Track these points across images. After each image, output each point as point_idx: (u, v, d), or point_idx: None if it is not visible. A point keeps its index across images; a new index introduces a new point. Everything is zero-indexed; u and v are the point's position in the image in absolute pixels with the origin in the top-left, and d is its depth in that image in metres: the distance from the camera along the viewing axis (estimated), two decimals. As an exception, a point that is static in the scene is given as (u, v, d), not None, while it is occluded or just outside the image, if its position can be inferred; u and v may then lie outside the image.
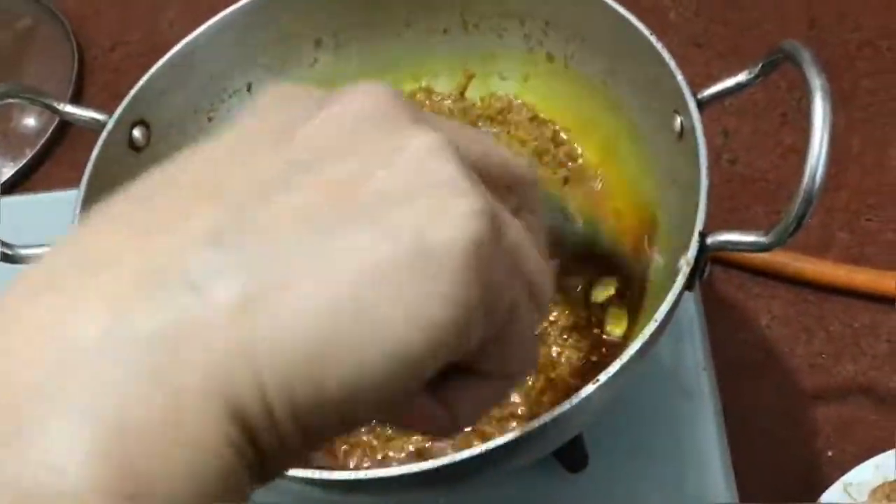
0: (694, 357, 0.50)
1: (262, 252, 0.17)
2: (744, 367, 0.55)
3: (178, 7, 0.78)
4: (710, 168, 0.62)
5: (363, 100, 0.20)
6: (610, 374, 0.33)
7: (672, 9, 0.72)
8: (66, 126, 0.71)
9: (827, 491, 0.50)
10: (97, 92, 0.75)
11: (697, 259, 0.36)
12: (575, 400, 0.33)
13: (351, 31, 0.50)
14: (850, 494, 0.49)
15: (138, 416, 0.16)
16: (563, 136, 0.50)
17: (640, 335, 0.34)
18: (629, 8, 0.72)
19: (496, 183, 0.21)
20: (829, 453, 0.52)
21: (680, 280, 0.35)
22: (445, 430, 0.21)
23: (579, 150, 0.49)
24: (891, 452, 0.50)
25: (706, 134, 0.64)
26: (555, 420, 0.33)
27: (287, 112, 0.21)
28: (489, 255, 0.18)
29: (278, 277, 0.17)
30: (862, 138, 0.63)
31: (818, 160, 0.33)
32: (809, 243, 0.59)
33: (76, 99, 0.74)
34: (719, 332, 0.55)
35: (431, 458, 0.33)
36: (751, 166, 0.64)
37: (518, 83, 0.50)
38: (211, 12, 0.48)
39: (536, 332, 0.23)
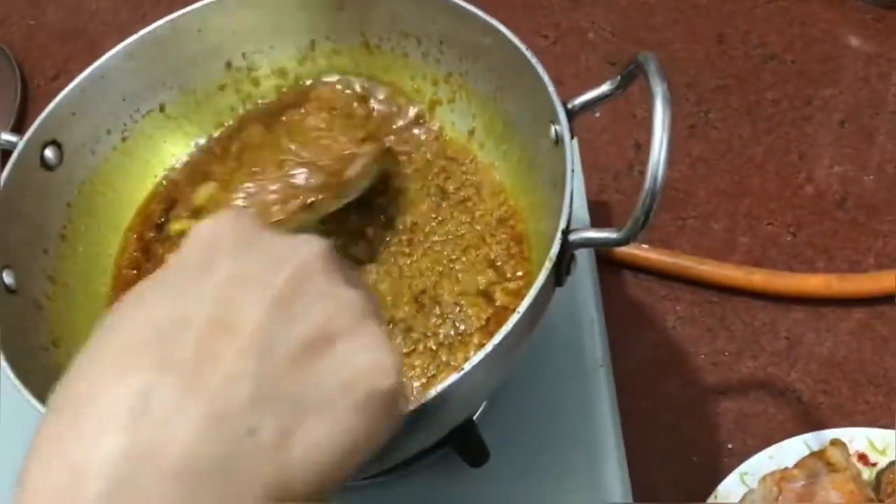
0: (593, 355, 0.52)
1: (287, 396, 0.26)
2: (650, 366, 0.58)
3: (119, 35, 0.80)
4: (620, 174, 0.66)
5: (314, 258, 0.28)
6: (474, 363, 0.36)
7: (590, 29, 0.75)
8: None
9: (724, 480, 0.52)
10: (40, 119, 0.77)
11: (560, 255, 0.38)
12: (440, 387, 0.35)
13: (261, 53, 0.52)
14: (745, 483, 0.52)
15: None
16: (469, 147, 0.52)
17: (504, 327, 0.36)
18: (549, 28, 0.76)
19: None
20: (730, 445, 0.55)
21: (543, 275, 0.37)
22: None
23: (483, 160, 0.52)
24: (784, 442, 0.53)
25: (618, 145, 0.69)
26: (423, 407, 0.35)
27: (256, 260, 0.28)
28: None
29: (300, 417, 0.26)
30: (765, 147, 0.66)
31: (658, 160, 0.35)
32: (714, 247, 0.62)
33: (18, 126, 0.76)
34: (627, 334, 0.58)
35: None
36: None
37: (425, 99, 0.53)
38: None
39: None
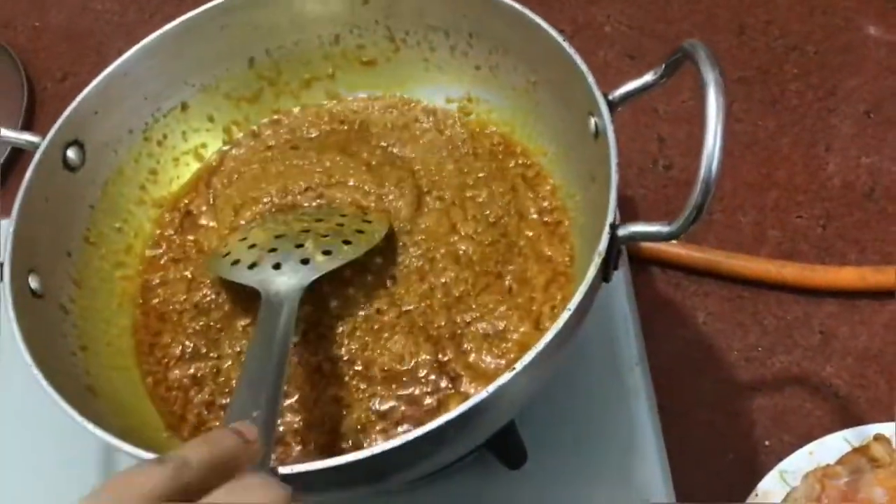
0: (629, 353, 0.51)
1: None
2: (683, 363, 0.57)
3: (126, 36, 0.79)
4: (644, 169, 0.65)
5: None
6: (525, 363, 0.34)
7: (607, 23, 0.74)
8: (18, 153, 0.71)
9: (764, 479, 0.51)
10: (48, 122, 0.74)
11: (609, 250, 0.37)
12: (492, 388, 0.34)
13: (284, 49, 0.51)
14: (785, 481, 0.51)
15: None
16: (508, 140, 0.51)
17: (556, 324, 0.35)
18: (566, 23, 0.75)
19: None
20: (767, 443, 0.54)
21: (592, 270, 0.36)
22: None
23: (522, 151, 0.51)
24: (824, 439, 0.52)
25: (641, 140, 0.68)
26: (475, 408, 0.34)
27: None
28: None
29: None
30: (791, 139, 0.65)
31: (713, 150, 0.34)
32: (743, 241, 0.61)
33: (26, 130, 0.74)
34: (658, 330, 0.57)
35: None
36: (685, 171, 0.66)
37: (455, 93, 0.52)
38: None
39: None
